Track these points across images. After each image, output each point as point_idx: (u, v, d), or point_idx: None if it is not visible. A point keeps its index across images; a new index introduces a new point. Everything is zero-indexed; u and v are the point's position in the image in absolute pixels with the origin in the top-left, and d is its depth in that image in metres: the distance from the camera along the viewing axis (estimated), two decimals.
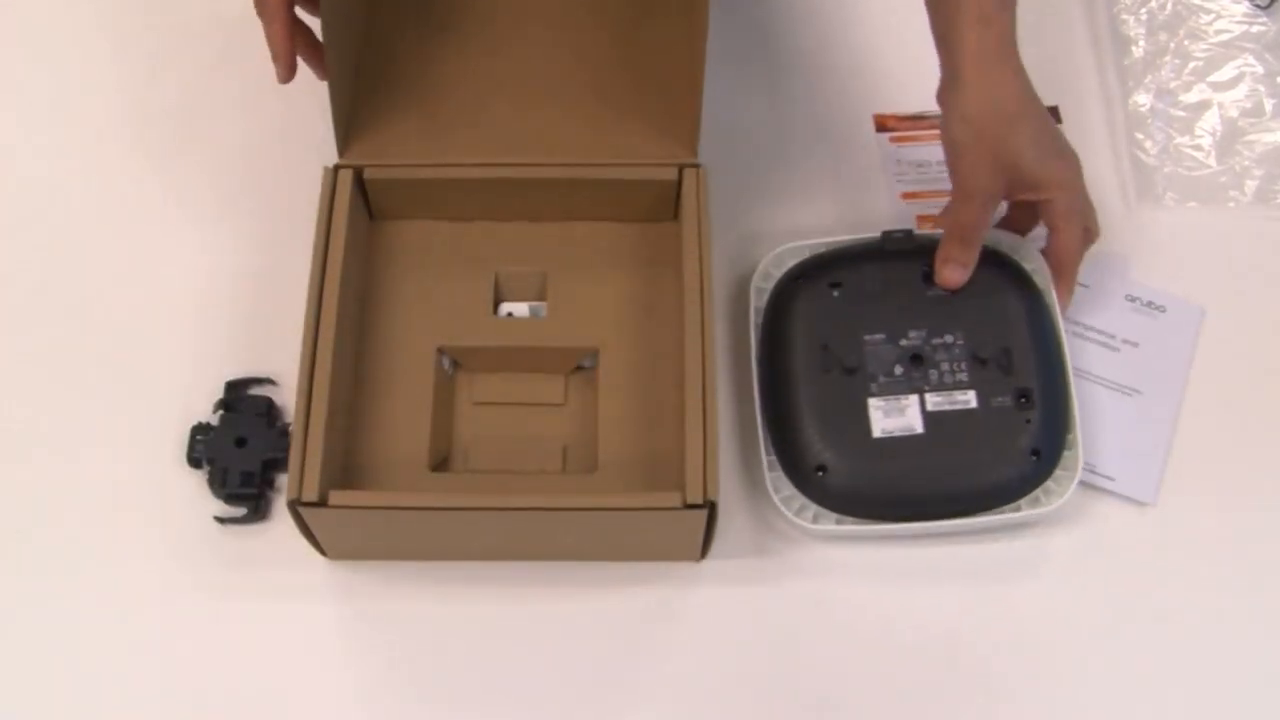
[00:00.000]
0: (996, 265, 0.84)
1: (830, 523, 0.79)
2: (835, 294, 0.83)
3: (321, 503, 0.72)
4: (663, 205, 0.85)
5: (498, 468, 0.81)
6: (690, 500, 0.71)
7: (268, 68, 0.97)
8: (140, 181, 0.92)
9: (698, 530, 0.75)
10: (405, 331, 0.82)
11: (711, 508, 0.72)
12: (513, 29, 0.88)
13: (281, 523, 0.81)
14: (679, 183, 0.83)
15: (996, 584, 0.80)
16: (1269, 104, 0.96)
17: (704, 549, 0.78)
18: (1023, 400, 0.80)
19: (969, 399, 0.80)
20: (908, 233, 0.85)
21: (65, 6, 0.99)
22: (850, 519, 0.79)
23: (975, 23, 0.77)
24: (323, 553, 0.78)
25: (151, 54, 0.98)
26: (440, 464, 0.81)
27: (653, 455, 0.79)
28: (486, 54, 0.87)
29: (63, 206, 0.92)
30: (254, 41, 0.97)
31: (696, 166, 0.82)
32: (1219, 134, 0.95)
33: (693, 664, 0.78)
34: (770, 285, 0.86)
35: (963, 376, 0.80)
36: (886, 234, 0.85)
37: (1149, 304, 0.88)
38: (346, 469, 0.78)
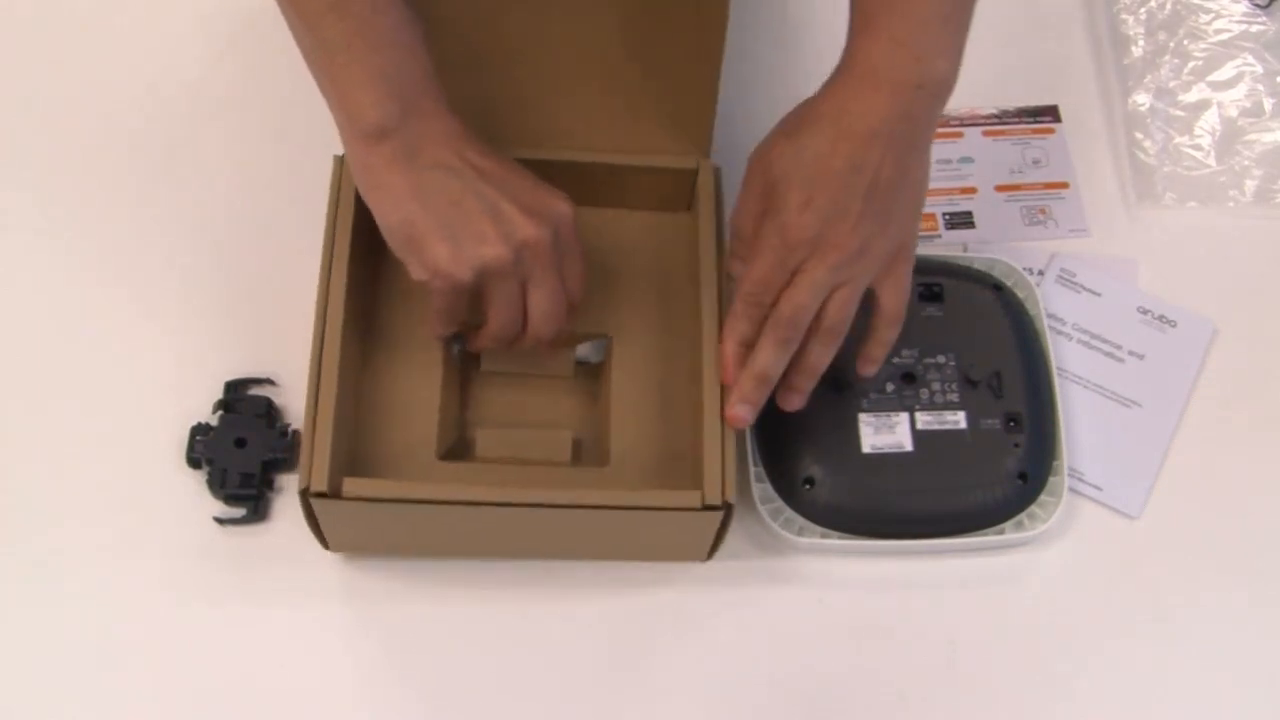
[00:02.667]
0: (989, 290, 0.85)
1: (815, 536, 0.80)
2: None
3: (333, 494, 0.71)
4: (678, 195, 0.84)
5: (508, 456, 0.80)
6: (709, 501, 0.71)
7: (268, 66, 0.97)
8: (139, 181, 0.92)
9: (711, 530, 0.75)
10: (414, 320, 0.81)
11: (727, 509, 0.72)
12: (524, 23, 0.87)
13: (281, 523, 0.81)
14: (695, 172, 0.82)
15: (982, 592, 0.80)
16: (1268, 103, 0.96)
17: (712, 549, 0.78)
18: (1011, 424, 0.80)
19: (959, 420, 0.80)
20: None
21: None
22: (835, 533, 0.80)
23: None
24: (324, 544, 0.78)
25: (153, 50, 0.97)
26: (449, 453, 0.80)
27: (666, 448, 0.78)
28: (496, 48, 0.86)
29: (61, 205, 0.92)
30: (256, 38, 0.97)
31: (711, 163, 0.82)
32: (1218, 134, 0.95)
33: (689, 665, 0.79)
34: None
35: (953, 397, 0.81)
36: None
37: (1160, 317, 0.88)
38: (355, 457, 0.77)
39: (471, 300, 0.74)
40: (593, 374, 0.83)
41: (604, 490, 0.76)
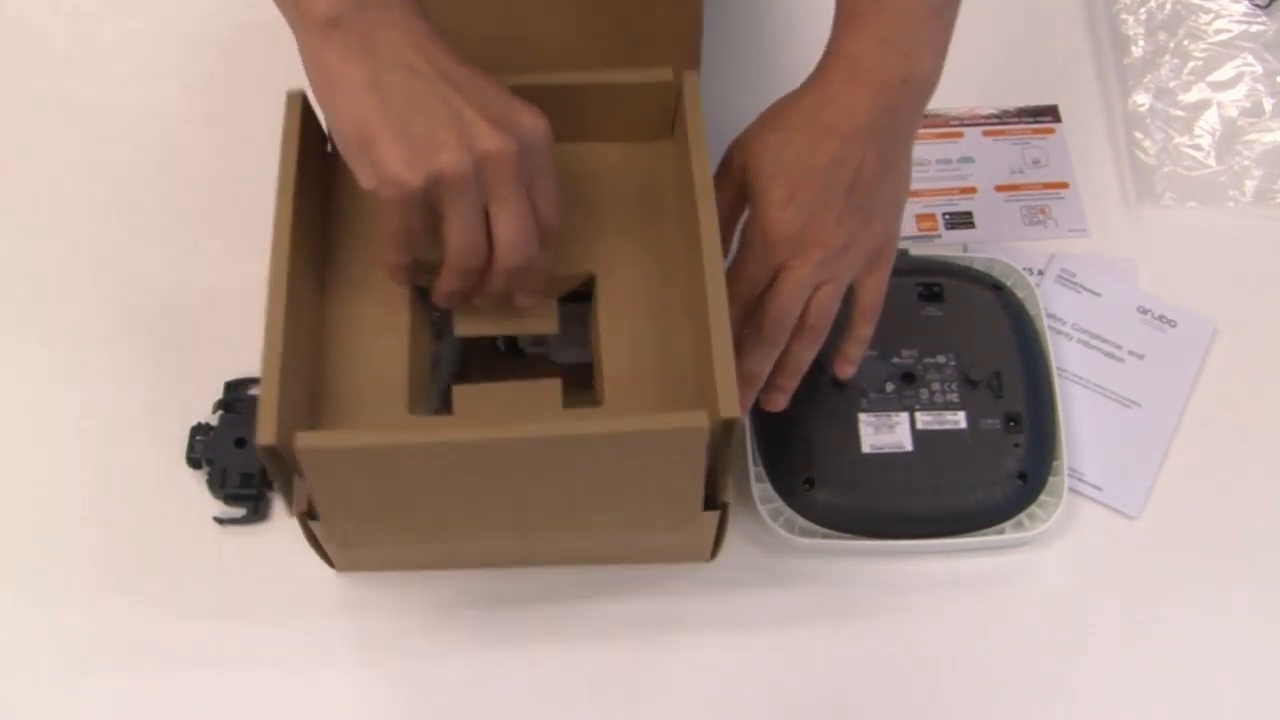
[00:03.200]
0: (989, 290, 0.85)
1: (815, 536, 0.80)
2: None
3: (284, 450, 0.64)
4: (659, 117, 0.78)
5: (491, 411, 0.72)
6: (726, 416, 0.64)
7: (267, 69, 0.97)
8: (139, 183, 0.92)
9: (709, 532, 0.75)
10: (381, 274, 0.73)
11: (723, 507, 0.71)
12: (502, 28, 0.84)
13: (281, 523, 0.81)
14: (677, 87, 0.75)
15: (982, 592, 0.80)
16: (1268, 103, 0.96)
17: (715, 549, 0.78)
18: (1011, 424, 0.80)
19: (959, 420, 0.80)
20: (903, 252, 0.85)
21: (65, 9, 0.99)
22: (835, 533, 0.80)
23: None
24: (330, 564, 0.78)
25: (155, 52, 0.98)
26: (422, 410, 0.74)
27: (663, 382, 0.73)
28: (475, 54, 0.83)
29: (61, 204, 0.92)
30: (256, 43, 0.97)
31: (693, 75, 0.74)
32: (1218, 134, 0.95)
33: (690, 665, 0.79)
34: None
35: (953, 397, 0.81)
36: None
37: (1160, 317, 0.88)
38: (319, 416, 0.71)
39: (431, 231, 0.67)
40: (580, 318, 0.77)
41: (601, 420, 0.70)
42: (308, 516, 0.70)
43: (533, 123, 0.66)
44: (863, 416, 0.80)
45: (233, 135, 0.94)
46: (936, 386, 0.81)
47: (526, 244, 0.67)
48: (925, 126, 0.95)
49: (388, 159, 0.63)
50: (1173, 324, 0.88)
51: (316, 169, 0.75)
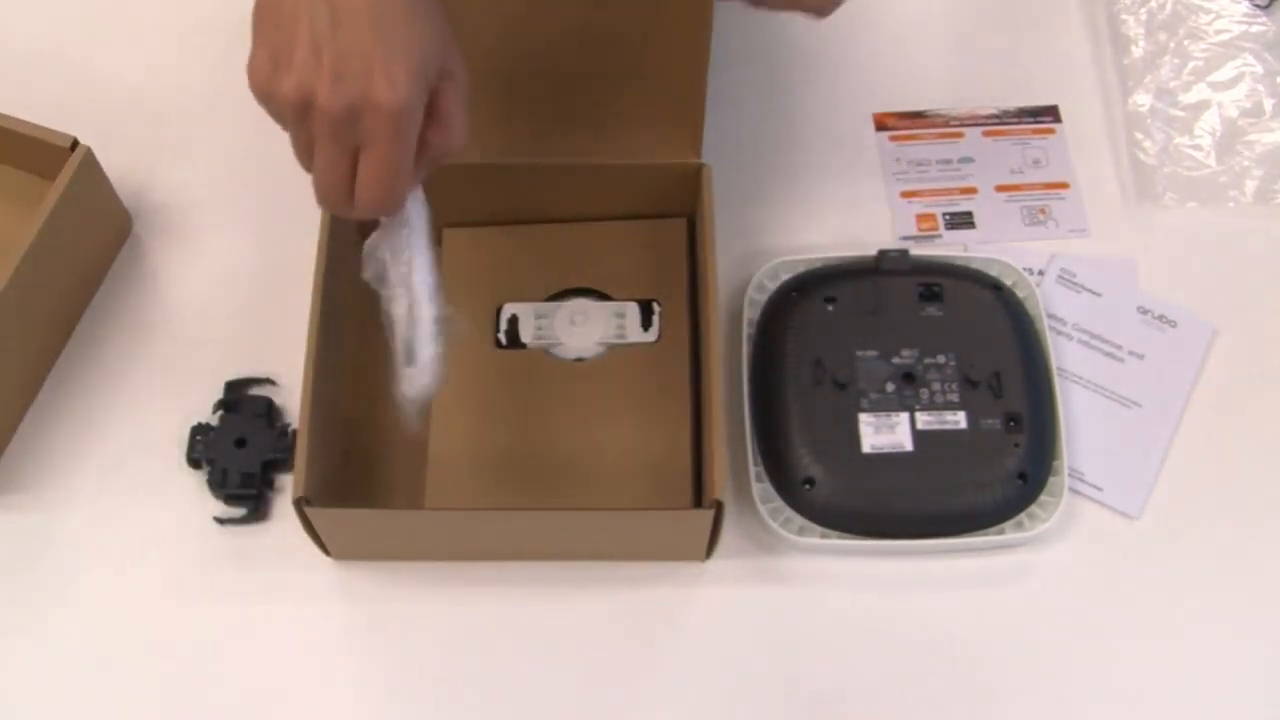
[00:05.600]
0: (989, 289, 0.85)
1: (815, 536, 0.80)
2: (830, 308, 0.84)
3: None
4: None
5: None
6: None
7: None
8: (139, 181, 0.92)
9: (705, 530, 0.75)
10: None
11: (718, 507, 0.72)
12: (516, 30, 0.87)
13: (281, 523, 0.81)
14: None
15: (982, 592, 0.80)
16: (1269, 104, 0.96)
17: (709, 548, 0.78)
18: (1012, 424, 0.80)
19: (959, 420, 0.80)
20: (903, 252, 0.86)
21: None
22: (835, 533, 0.79)
23: None
24: (326, 552, 0.78)
25: (154, 50, 0.98)
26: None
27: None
28: (487, 55, 0.86)
29: None
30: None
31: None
32: (1219, 134, 0.95)
33: (689, 665, 0.79)
34: (764, 297, 0.86)
35: (953, 397, 0.81)
36: (882, 252, 0.86)
37: (1160, 317, 0.88)
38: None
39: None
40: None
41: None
42: (304, 503, 0.71)
43: (383, 98, 0.61)
44: (863, 416, 0.80)
45: (238, 131, 0.94)
46: (936, 386, 0.81)
47: (332, 197, 0.65)
48: (924, 126, 0.95)
49: (254, 57, 0.63)
50: (1173, 324, 0.88)
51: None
